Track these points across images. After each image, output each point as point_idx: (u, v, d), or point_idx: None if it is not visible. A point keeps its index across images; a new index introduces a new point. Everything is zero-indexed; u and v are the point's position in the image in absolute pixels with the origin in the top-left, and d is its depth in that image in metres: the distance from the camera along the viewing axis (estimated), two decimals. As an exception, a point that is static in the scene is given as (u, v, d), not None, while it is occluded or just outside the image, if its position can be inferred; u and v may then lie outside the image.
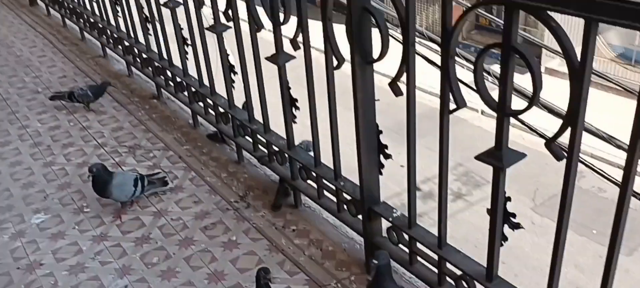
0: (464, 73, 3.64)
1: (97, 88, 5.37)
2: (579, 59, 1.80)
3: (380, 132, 2.85)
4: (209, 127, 4.71)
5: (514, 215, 2.29)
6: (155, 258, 3.53)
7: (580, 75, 1.81)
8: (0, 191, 4.30)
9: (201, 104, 4.51)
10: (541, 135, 4.29)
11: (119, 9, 5.34)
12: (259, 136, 3.88)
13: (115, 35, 5.71)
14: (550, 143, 1.95)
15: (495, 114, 2.10)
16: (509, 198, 2.26)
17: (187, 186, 4.15)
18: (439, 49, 2.32)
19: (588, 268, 8.63)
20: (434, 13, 19.29)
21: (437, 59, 2.55)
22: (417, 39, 2.57)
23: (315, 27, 2.83)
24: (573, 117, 1.88)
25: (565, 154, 1.97)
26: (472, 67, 2.17)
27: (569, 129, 1.92)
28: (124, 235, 3.75)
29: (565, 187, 2.04)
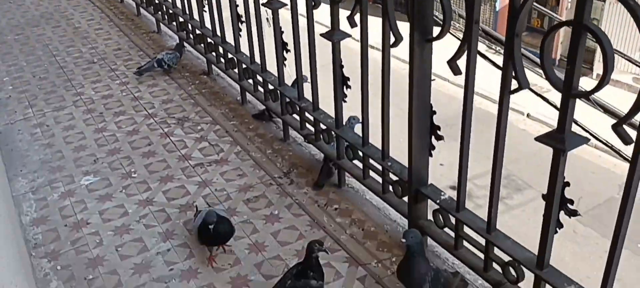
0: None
1: (178, 49, 5.58)
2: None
3: (434, 112, 2.80)
4: (257, 104, 4.74)
5: (571, 202, 2.21)
6: (199, 226, 3.57)
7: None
8: (53, 152, 4.43)
9: (251, 80, 4.54)
10: (613, 113, 4.10)
11: (174, -16, 5.43)
12: (307, 114, 3.87)
13: (170, 11, 5.81)
14: (618, 126, 1.87)
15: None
16: (567, 184, 2.19)
17: (232, 159, 4.19)
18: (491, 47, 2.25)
19: (631, 283, 8.34)
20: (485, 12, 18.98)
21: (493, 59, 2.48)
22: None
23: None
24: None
25: (634, 140, 1.89)
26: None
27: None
28: (169, 201, 3.80)
29: (629, 186, 1.95)
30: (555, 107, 2.39)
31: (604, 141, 4.59)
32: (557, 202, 2.19)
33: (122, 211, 3.74)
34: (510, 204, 10.67)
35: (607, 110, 4.40)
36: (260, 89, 4.40)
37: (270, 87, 4.21)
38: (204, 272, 3.22)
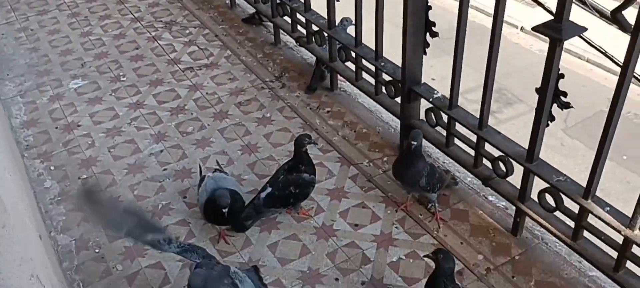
0: None
1: None
2: None
3: (430, 7, 2.74)
4: (246, 8, 4.63)
5: (565, 94, 2.22)
6: (190, 127, 3.57)
7: None
8: (39, 57, 4.34)
9: (239, -18, 4.41)
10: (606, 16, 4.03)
11: None
12: (298, 16, 3.79)
13: None
14: (618, 12, 1.84)
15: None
16: (562, 75, 2.18)
17: (222, 64, 4.13)
18: None
19: (614, 193, 8.56)
20: None
21: None
22: None
23: None
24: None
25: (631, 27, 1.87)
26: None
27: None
28: (160, 104, 3.78)
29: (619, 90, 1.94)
30: (550, 12, 2.31)
31: (598, 47, 4.57)
32: (550, 94, 2.19)
33: (113, 114, 3.72)
34: (500, 118, 10.75)
35: (602, 14, 4.32)
36: (250, -10, 4.28)
37: (260, -13, 4.10)
38: (197, 171, 3.24)
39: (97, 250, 2.82)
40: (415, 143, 2.64)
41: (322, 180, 3.13)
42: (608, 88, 11.58)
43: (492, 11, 2.34)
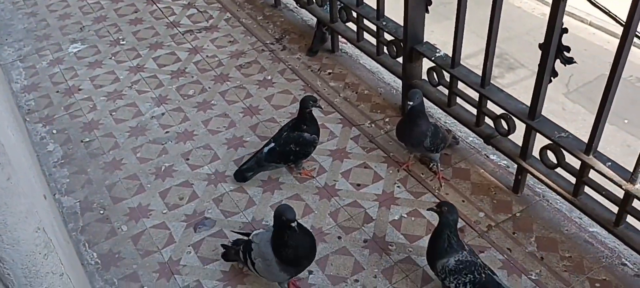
0: None
1: None
2: None
3: (432, -37, 2.71)
4: (246, -31, 4.57)
5: (568, 49, 2.20)
6: (191, 90, 3.56)
7: None
8: (37, 21, 4.30)
9: (238, -57, 4.34)
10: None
11: None
12: (298, -24, 3.74)
13: None
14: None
15: None
16: (565, 30, 2.16)
17: (222, 26, 4.10)
18: None
19: (615, 156, 8.60)
20: None
21: None
22: None
23: None
24: None
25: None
26: None
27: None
28: (160, 68, 3.76)
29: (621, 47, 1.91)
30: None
31: (600, 6, 4.52)
32: (554, 49, 2.18)
33: (113, 77, 3.71)
34: (502, 83, 10.69)
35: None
36: (249, -49, 4.22)
37: (260, -53, 4.03)
38: (199, 134, 3.25)
39: (101, 212, 2.84)
40: (411, 102, 2.63)
41: (324, 141, 3.13)
42: (610, 52, 11.34)
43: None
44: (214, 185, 2.95)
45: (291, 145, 2.86)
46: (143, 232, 2.74)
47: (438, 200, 2.78)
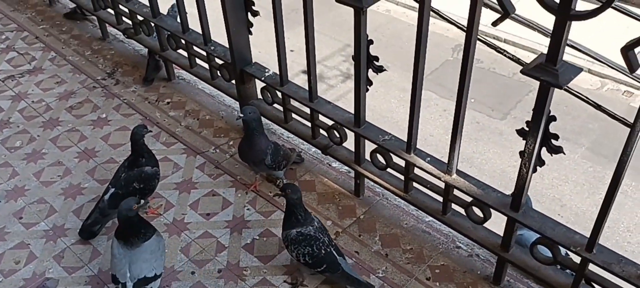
0: None
1: None
2: None
3: (245, -14, 2.74)
4: (67, 3, 4.31)
5: (377, 58, 2.33)
6: (18, 142, 3.29)
7: None
8: None
9: (55, -24, 4.09)
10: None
11: None
12: (121, 7, 3.60)
13: None
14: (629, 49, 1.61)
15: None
16: (371, 41, 2.29)
17: (47, 67, 3.83)
18: None
19: (466, 133, 9.33)
20: None
21: None
22: None
23: None
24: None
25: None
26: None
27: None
28: (-21, 122, 3.43)
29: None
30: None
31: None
32: (364, 60, 2.30)
33: None
34: (351, 86, 11.20)
35: None
36: (67, -16, 3.99)
37: (77, -20, 3.83)
38: (31, 188, 3.02)
39: None
40: (241, 115, 2.68)
41: (169, 175, 3.05)
42: (450, 38, 12.50)
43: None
44: (53, 241, 2.75)
45: (134, 184, 2.73)
46: None
47: (286, 217, 2.82)
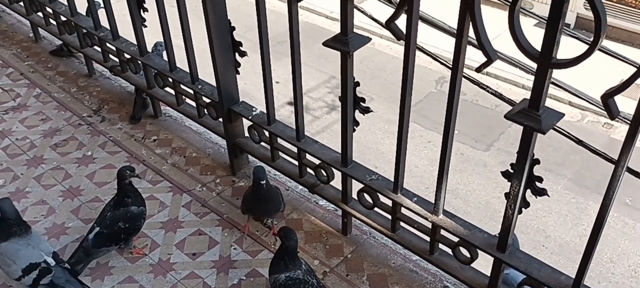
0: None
1: None
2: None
3: (233, 28, 2.76)
4: (53, 40, 4.31)
5: (363, 100, 2.36)
6: (2, 180, 3.25)
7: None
8: None
9: (41, 14, 4.08)
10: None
11: None
12: (108, 44, 3.61)
13: None
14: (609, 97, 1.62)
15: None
16: (358, 83, 2.32)
17: (32, 104, 3.81)
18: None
19: (452, 165, 9.39)
20: None
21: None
22: None
23: None
24: None
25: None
26: None
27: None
28: (-39, 160, 3.39)
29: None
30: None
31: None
32: (351, 102, 2.33)
33: None
34: (338, 118, 11.33)
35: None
36: (53, 21, 3.98)
37: (63, 18, 3.83)
38: (12, 229, 2.96)
39: None
40: (263, 181, 2.68)
41: (155, 214, 3.03)
42: (434, 71, 12.70)
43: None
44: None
45: (119, 224, 2.71)
46: None
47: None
